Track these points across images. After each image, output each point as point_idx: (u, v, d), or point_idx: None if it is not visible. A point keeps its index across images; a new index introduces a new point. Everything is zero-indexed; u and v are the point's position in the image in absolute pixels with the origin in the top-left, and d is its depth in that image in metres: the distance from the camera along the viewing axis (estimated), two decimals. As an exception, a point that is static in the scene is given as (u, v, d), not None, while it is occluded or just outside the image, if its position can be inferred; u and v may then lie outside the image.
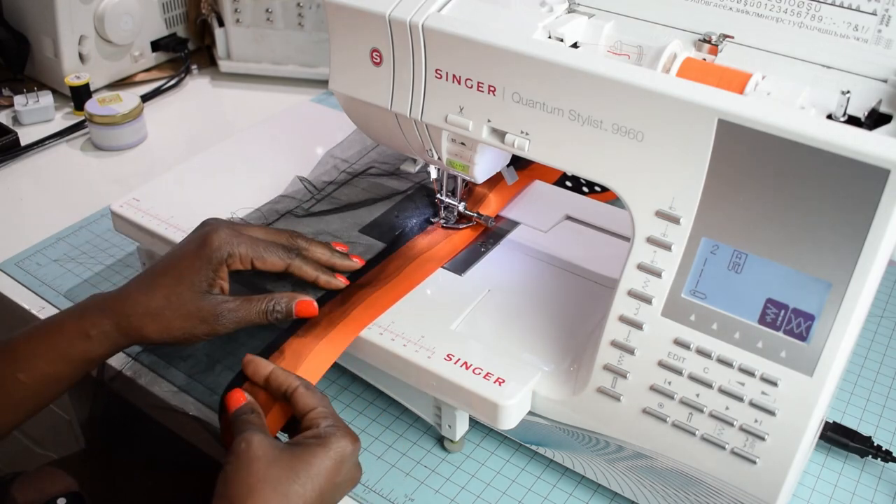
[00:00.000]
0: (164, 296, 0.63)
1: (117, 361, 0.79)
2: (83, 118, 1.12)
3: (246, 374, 0.62)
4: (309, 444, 0.56)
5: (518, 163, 0.81)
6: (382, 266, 0.74)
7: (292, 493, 0.54)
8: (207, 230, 0.66)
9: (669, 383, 0.59)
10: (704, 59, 0.59)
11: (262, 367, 0.62)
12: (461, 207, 0.79)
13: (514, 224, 0.81)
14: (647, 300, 0.59)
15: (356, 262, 0.72)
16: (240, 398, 0.60)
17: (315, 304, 0.66)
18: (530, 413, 0.66)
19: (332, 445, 0.56)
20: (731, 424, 0.57)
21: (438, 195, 0.79)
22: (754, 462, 0.57)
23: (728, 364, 0.57)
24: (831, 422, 0.72)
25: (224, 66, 1.26)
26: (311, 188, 0.84)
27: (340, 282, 0.69)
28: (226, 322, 0.64)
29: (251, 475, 0.53)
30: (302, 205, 0.82)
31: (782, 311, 0.55)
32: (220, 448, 0.73)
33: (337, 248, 0.72)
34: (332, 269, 0.70)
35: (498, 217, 0.81)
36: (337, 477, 0.56)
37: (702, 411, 0.58)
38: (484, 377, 0.64)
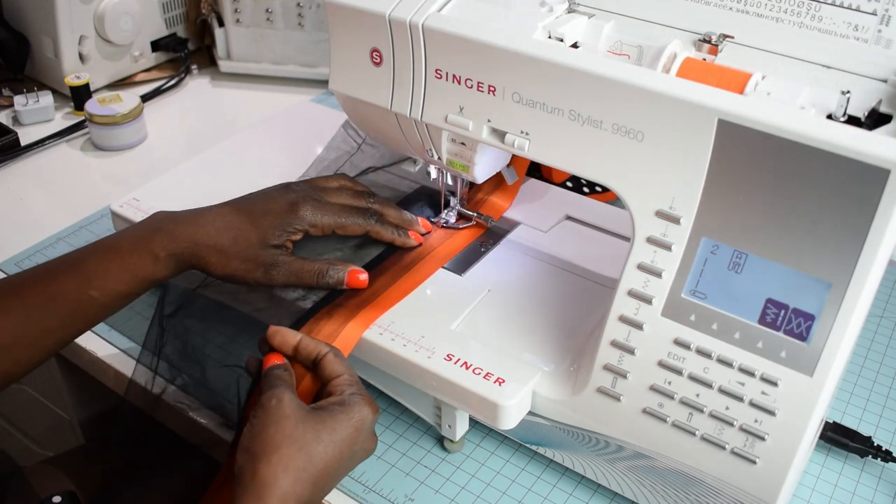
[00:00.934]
0: (234, 237, 0.67)
1: (118, 362, 0.79)
2: (83, 118, 1.12)
3: (273, 345, 0.63)
4: (333, 410, 0.58)
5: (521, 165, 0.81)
6: (382, 266, 0.74)
7: (315, 454, 0.56)
8: (294, 197, 0.70)
9: (669, 383, 0.59)
10: (704, 59, 0.59)
11: (290, 336, 0.63)
12: (460, 207, 0.79)
13: (514, 224, 0.81)
14: (647, 300, 0.59)
15: (423, 227, 0.77)
16: (277, 358, 0.62)
17: (367, 279, 0.70)
18: (530, 413, 0.66)
19: (354, 413, 0.58)
20: (731, 424, 0.57)
21: (452, 197, 0.80)
22: (754, 462, 0.57)
23: (728, 364, 0.57)
24: (831, 422, 0.72)
25: (224, 66, 1.26)
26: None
27: (414, 240, 0.75)
28: (280, 273, 0.67)
29: (278, 432, 0.55)
30: None
31: (782, 311, 0.55)
32: (219, 448, 0.73)
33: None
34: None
35: (498, 217, 0.81)
36: (355, 444, 0.58)
37: (702, 411, 0.58)
38: (484, 377, 0.64)
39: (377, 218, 0.72)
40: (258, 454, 0.55)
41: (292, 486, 0.54)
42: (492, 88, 0.61)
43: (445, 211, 0.80)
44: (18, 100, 1.15)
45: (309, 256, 0.70)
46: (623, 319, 0.60)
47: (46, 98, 1.16)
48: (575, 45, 0.63)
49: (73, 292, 0.64)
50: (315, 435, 0.56)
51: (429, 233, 0.77)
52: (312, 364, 0.62)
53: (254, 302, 0.70)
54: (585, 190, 0.93)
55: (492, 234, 0.80)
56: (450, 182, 0.78)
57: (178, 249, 0.66)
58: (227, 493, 0.60)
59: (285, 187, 0.72)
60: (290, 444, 0.55)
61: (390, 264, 0.74)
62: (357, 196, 0.74)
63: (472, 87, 0.62)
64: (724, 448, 0.58)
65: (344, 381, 0.60)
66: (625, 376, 0.60)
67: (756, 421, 0.56)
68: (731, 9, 0.61)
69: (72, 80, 1.13)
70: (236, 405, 0.68)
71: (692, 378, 0.58)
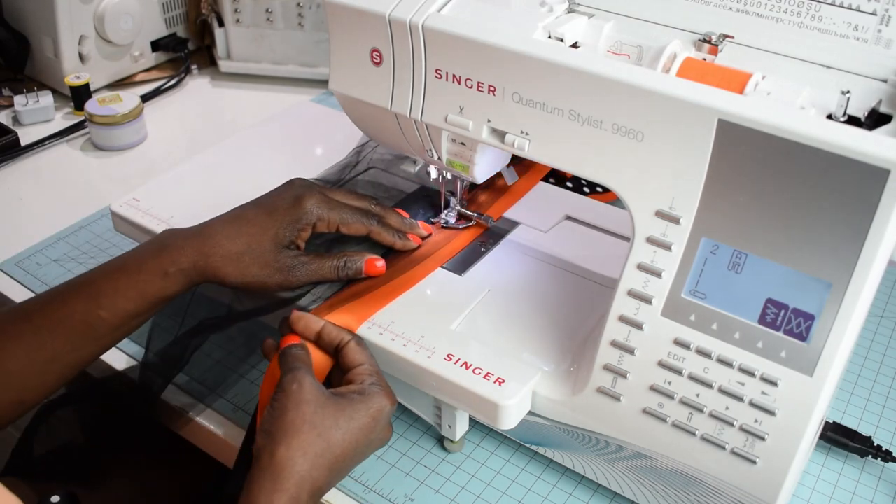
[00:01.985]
0: (247, 243, 0.67)
1: (118, 362, 0.79)
2: (83, 118, 1.12)
3: (296, 329, 0.64)
4: (352, 398, 0.59)
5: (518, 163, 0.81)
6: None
7: (333, 440, 0.57)
8: (299, 192, 0.70)
9: (669, 383, 0.59)
10: (704, 59, 0.59)
11: (313, 322, 0.64)
12: (460, 207, 0.79)
13: (514, 224, 0.81)
14: (647, 300, 0.59)
15: (423, 231, 0.77)
16: (292, 339, 0.63)
17: (384, 266, 0.71)
18: (530, 413, 0.66)
19: (372, 402, 0.59)
20: (731, 424, 0.57)
21: (453, 199, 0.80)
22: (754, 462, 0.57)
23: (728, 364, 0.57)
24: (831, 422, 0.72)
25: (224, 66, 1.26)
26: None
27: (414, 243, 0.75)
28: (299, 275, 0.68)
29: (298, 416, 0.56)
30: None
31: (782, 311, 0.55)
32: (219, 447, 0.73)
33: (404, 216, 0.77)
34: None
35: (498, 217, 0.81)
36: (371, 434, 0.59)
37: (702, 411, 0.58)
38: (484, 377, 0.64)
39: (378, 220, 0.73)
40: (277, 437, 0.56)
41: (309, 471, 0.55)
42: (492, 88, 0.61)
43: (445, 211, 0.80)
44: (18, 100, 1.15)
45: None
46: (623, 319, 0.60)
47: (46, 98, 1.16)
48: (575, 45, 0.63)
49: (83, 314, 0.64)
50: (334, 421, 0.57)
51: (429, 235, 0.77)
52: (335, 351, 0.63)
53: (252, 300, 0.70)
54: (586, 190, 0.93)
55: (492, 234, 0.80)
56: (450, 182, 0.78)
57: (188, 264, 0.66)
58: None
59: (289, 183, 0.72)
60: (310, 429, 0.56)
61: (390, 263, 0.74)
62: (360, 198, 0.74)
63: (472, 87, 0.62)
64: (724, 448, 0.58)
65: (365, 370, 0.61)
66: (625, 376, 0.60)
67: (756, 421, 0.56)
68: (731, 9, 0.61)
69: (72, 80, 1.13)
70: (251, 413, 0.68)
71: (692, 378, 0.58)
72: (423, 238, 0.76)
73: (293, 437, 0.55)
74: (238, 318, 0.72)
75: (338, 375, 0.64)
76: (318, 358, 0.64)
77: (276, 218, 0.68)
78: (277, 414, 0.57)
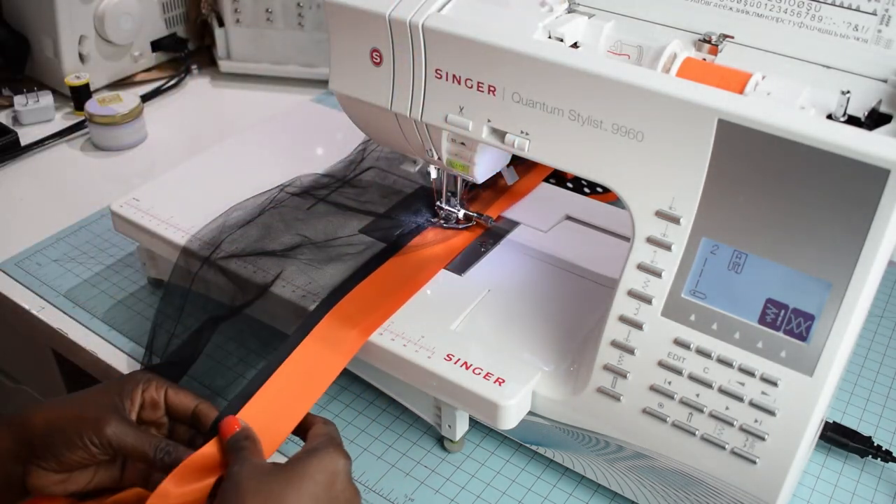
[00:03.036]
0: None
1: (118, 362, 0.79)
2: (83, 118, 1.12)
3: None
4: (300, 457, 0.56)
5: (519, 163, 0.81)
6: (383, 267, 0.74)
7: (287, 501, 0.53)
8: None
9: (669, 383, 0.59)
10: (704, 59, 0.59)
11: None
12: (461, 215, 0.79)
13: (514, 224, 0.81)
14: (647, 300, 0.59)
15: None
16: (234, 425, 0.59)
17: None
18: (530, 413, 0.66)
19: (322, 456, 0.55)
20: (731, 424, 0.57)
21: (438, 203, 0.79)
22: (754, 462, 0.57)
23: (728, 364, 0.57)
24: (831, 422, 0.72)
25: (224, 66, 1.26)
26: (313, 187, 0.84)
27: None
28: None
29: (239, 495, 0.53)
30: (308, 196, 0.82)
31: (782, 311, 0.55)
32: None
33: None
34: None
35: (498, 217, 0.82)
36: (332, 489, 0.55)
37: (702, 411, 0.58)
38: (484, 377, 0.64)
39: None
40: None
41: None
42: (492, 88, 0.61)
43: (445, 211, 0.80)
44: (18, 100, 1.15)
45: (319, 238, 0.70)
46: (623, 319, 0.60)
47: (46, 98, 1.16)
48: (575, 45, 0.63)
49: None
50: (285, 484, 0.53)
51: (368, 281, 0.72)
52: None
53: (257, 305, 0.70)
54: (586, 191, 0.93)
55: (492, 234, 0.80)
56: (450, 182, 0.78)
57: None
58: None
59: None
60: (258, 498, 0.52)
61: (391, 267, 0.74)
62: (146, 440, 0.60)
63: (472, 87, 0.62)
64: (724, 448, 0.58)
65: (316, 430, 0.59)
66: (625, 376, 0.60)
67: (756, 421, 0.56)
68: (731, 9, 0.61)
69: (72, 80, 1.13)
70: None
71: (692, 378, 0.58)
72: (357, 270, 0.72)
73: None
74: (240, 309, 0.72)
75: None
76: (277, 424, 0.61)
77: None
78: (226, 497, 0.53)
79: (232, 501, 0.53)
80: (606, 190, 0.90)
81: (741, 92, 0.55)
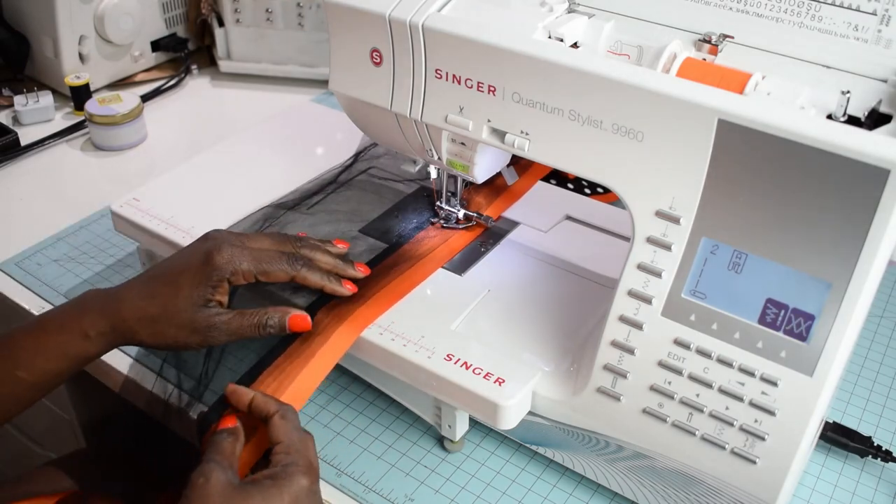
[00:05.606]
0: (161, 304, 0.64)
1: (118, 362, 0.79)
2: (83, 118, 1.12)
3: (231, 402, 0.61)
4: (264, 486, 0.55)
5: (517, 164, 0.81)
6: (383, 267, 0.74)
7: None
8: (210, 246, 0.66)
9: (669, 383, 0.59)
10: (704, 59, 0.59)
11: (244, 395, 0.61)
12: (461, 215, 0.79)
13: (514, 224, 0.81)
14: (647, 300, 0.59)
15: (360, 272, 0.71)
16: (228, 422, 0.60)
17: (308, 319, 0.66)
18: (530, 413, 0.66)
19: (285, 487, 0.55)
20: (731, 424, 0.57)
21: (438, 203, 0.79)
22: (754, 462, 0.57)
23: (728, 364, 0.57)
24: (831, 422, 0.72)
25: (224, 66, 1.26)
26: (312, 189, 0.84)
27: (347, 289, 0.69)
28: (218, 334, 0.64)
29: None
30: (304, 203, 0.82)
31: (782, 311, 0.55)
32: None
33: (340, 247, 0.72)
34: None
35: (498, 217, 0.82)
36: None
37: (702, 411, 0.58)
38: (484, 377, 0.64)
39: (304, 263, 0.68)
40: None
41: None
42: (492, 88, 0.61)
43: (445, 211, 0.80)
44: (18, 100, 1.15)
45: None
46: (623, 319, 0.60)
47: (46, 98, 1.16)
48: (575, 45, 0.63)
49: (0, 374, 0.62)
50: None
51: (366, 276, 0.71)
52: (264, 422, 0.60)
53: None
54: (587, 191, 0.93)
55: (492, 234, 0.80)
56: (450, 182, 0.78)
57: (107, 327, 0.64)
58: None
59: (203, 237, 0.68)
60: None
61: (391, 264, 0.74)
62: (283, 240, 0.69)
63: (472, 87, 0.62)
64: (724, 448, 0.58)
65: (280, 449, 0.57)
66: (625, 376, 0.60)
67: (756, 421, 0.56)
68: (731, 9, 0.61)
69: (72, 80, 1.13)
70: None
71: (692, 378, 0.58)
72: (358, 281, 0.71)
73: None
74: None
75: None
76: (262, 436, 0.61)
77: (187, 277, 0.64)
78: None
79: None
80: (606, 190, 0.90)
81: (741, 92, 0.55)
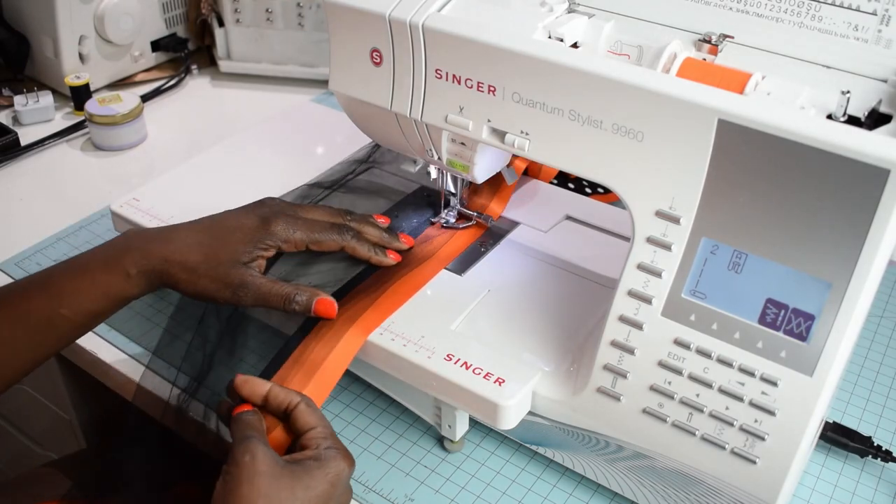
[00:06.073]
0: (204, 255, 0.66)
1: (118, 362, 0.79)
2: (83, 118, 1.12)
3: (241, 394, 0.61)
4: (308, 465, 0.56)
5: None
6: (386, 269, 0.74)
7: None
8: (267, 212, 0.68)
9: (669, 383, 0.59)
10: (704, 59, 0.59)
11: (258, 385, 0.61)
12: (461, 215, 0.79)
13: (514, 224, 0.81)
14: (647, 300, 0.59)
15: (405, 244, 0.74)
16: (246, 407, 0.60)
17: (335, 306, 0.67)
18: (530, 413, 0.66)
19: (330, 468, 0.56)
20: (731, 424, 0.57)
21: (450, 207, 0.79)
22: (754, 462, 0.57)
23: (728, 364, 0.57)
24: (831, 422, 0.72)
25: (224, 66, 1.26)
26: (312, 190, 0.84)
27: (392, 259, 0.73)
28: (248, 295, 0.66)
29: (253, 490, 0.53)
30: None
31: (782, 311, 0.55)
32: (222, 450, 0.73)
33: (382, 221, 0.76)
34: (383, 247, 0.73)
35: (498, 217, 0.81)
36: (331, 500, 0.56)
37: (702, 411, 0.58)
38: (484, 377, 0.64)
39: (353, 234, 0.71)
40: None
41: None
42: (492, 88, 0.61)
43: (445, 211, 0.80)
44: (18, 100, 1.15)
45: (303, 266, 0.70)
46: (623, 319, 0.60)
47: (46, 98, 1.16)
48: (575, 45, 0.63)
49: (44, 311, 0.63)
50: (290, 493, 0.54)
51: (410, 249, 0.75)
52: (284, 415, 0.60)
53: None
54: (587, 191, 0.93)
55: (492, 234, 0.80)
56: (450, 182, 0.78)
57: (149, 267, 0.65)
58: None
59: (259, 203, 0.70)
60: (265, 503, 0.53)
61: (391, 267, 0.74)
62: (334, 213, 0.72)
63: (472, 87, 0.62)
64: (724, 448, 0.58)
65: (318, 433, 0.58)
66: (625, 376, 0.60)
67: (756, 421, 0.56)
68: (731, 9, 0.61)
69: (72, 80, 1.13)
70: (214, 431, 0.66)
71: (692, 378, 0.58)
72: (404, 252, 0.74)
73: None
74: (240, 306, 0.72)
75: (289, 438, 0.61)
76: (277, 431, 0.61)
77: (238, 236, 0.67)
78: (231, 488, 0.53)
79: (242, 497, 0.53)
80: (607, 190, 0.90)
81: (741, 92, 0.55)
